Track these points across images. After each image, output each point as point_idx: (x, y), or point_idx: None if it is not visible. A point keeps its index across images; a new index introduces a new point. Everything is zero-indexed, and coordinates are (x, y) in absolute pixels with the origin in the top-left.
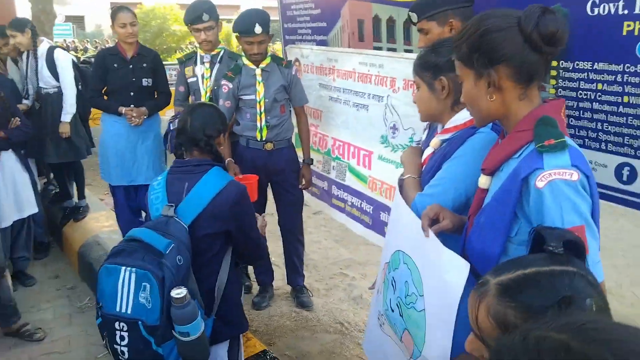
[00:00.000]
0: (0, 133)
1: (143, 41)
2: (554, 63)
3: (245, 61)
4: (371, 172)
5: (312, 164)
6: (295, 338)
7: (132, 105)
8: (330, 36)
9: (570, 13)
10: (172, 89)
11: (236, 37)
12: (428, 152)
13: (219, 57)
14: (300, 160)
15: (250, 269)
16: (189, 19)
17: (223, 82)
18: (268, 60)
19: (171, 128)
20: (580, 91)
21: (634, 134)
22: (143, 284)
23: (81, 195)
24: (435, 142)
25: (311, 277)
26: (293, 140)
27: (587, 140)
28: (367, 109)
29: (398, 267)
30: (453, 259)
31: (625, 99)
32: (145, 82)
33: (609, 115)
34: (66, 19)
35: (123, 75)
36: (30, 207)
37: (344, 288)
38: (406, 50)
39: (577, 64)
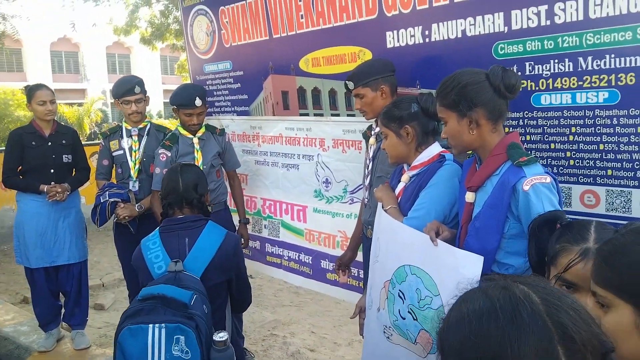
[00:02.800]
0: None
1: None
2: None
3: (182, 131)
4: (307, 224)
5: (248, 223)
6: None
7: (52, 183)
8: (252, 107)
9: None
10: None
11: (173, 109)
12: (400, 186)
13: (147, 129)
14: (236, 221)
15: None
16: (121, 92)
17: (161, 150)
18: (203, 129)
19: (102, 201)
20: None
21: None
22: (176, 337)
23: None
24: (405, 177)
25: (246, 342)
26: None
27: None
28: (298, 168)
29: (405, 279)
30: (467, 255)
31: (528, 137)
32: (66, 158)
33: None
34: None
35: (42, 153)
36: None
37: (280, 347)
38: (333, 114)
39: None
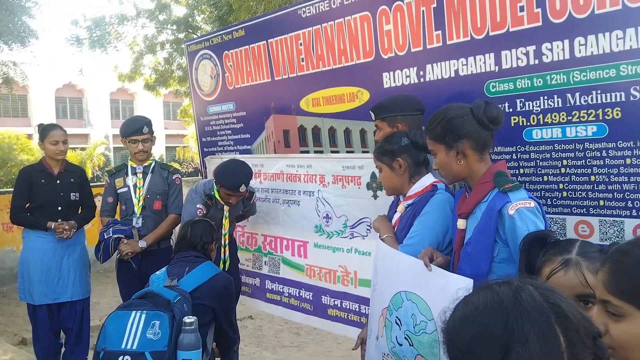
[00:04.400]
0: None
1: None
2: None
3: (217, 195)
4: (307, 260)
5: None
6: None
7: (59, 220)
8: (254, 145)
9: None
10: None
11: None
12: (396, 216)
13: (151, 167)
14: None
15: None
16: (130, 131)
17: (199, 206)
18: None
19: (105, 237)
20: None
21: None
22: (152, 322)
23: None
24: (401, 207)
25: None
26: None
27: None
28: (299, 204)
29: (401, 305)
30: (458, 279)
31: (521, 170)
32: (73, 196)
33: None
34: None
35: (50, 191)
36: None
37: None
38: (333, 151)
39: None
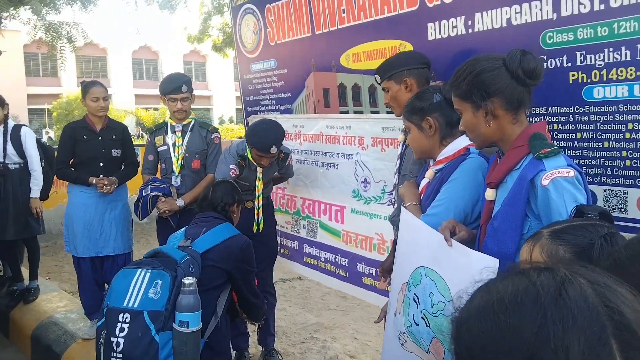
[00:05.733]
0: None
1: None
2: None
3: (249, 156)
4: (344, 226)
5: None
6: None
7: (101, 175)
8: (295, 105)
9: None
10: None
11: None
12: (424, 182)
13: (190, 126)
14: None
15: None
16: (169, 89)
17: (232, 166)
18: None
19: (144, 194)
20: None
21: (590, 163)
22: (155, 281)
23: (34, 276)
24: (430, 173)
25: (284, 343)
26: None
27: None
28: (337, 167)
29: (420, 282)
30: (482, 258)
31: (579, 135)
32: (115, 152)
33: (565, 150)
34: None
35: (93, 147)
36: None
37: (318, 350)
38: (372, 112)
39: (534, 110)
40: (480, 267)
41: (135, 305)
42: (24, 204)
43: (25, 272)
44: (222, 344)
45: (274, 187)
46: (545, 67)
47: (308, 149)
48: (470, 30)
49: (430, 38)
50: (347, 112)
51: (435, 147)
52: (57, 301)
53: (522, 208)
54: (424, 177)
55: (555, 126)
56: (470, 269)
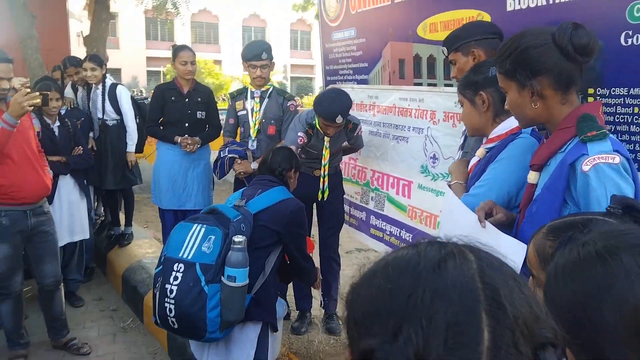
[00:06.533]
0: (61, 158)
1: None
2: (590, 90)
3: (317, 125)
4: (411, 201)
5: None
6: None
7: (186, 135)
8: (371, 75)
9: (605, 44)
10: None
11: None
12: (473, 161)
13: (269, 93)
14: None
15: (290, 297)
16: (249, 56)
17: (300, 134)
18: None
19: (222, 156)
20: (617, 115)
21: None
22: (209, 236)
23: (128, 223)
24: (480, 151)
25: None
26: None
27: None
28: (407, 140)
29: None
30: (511, 242)
31: None
32: (200, 114)
33: None
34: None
35: (179, 108)
36: (82, 232)
37: None
38: (446, 85)
39: (614, 90)
40: (507, 250)
41: (190, 257)
42: (121, 157)
43: (122, 219)
44: (268, 301)
45: (347, 157)
46: (628, 42)
47: (381, 120)
48: (551, 1)
49: (509, 9)
50: (420, 84)
51: (488, 125)
52: (147, 247)
53: (561, 193)
54: (474, 155)
55: (635, 109)
56: (498, 253)
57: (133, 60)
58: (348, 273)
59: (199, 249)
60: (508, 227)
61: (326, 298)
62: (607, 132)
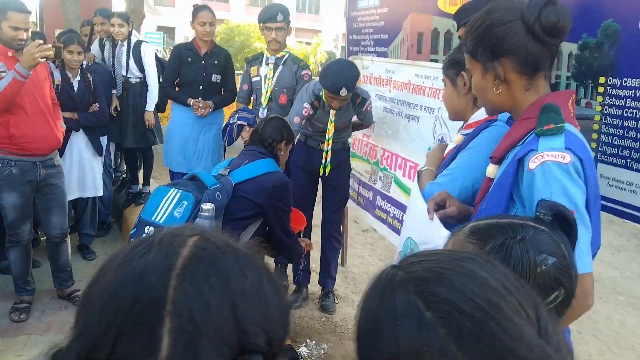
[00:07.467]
0: (73, 115)
1: None
2: (602, 79)
3: (324, 97)
4: (415, 184)
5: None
6: (320, 340)
7: (199, 98)
8: (390, 48)
9: (621, 29)
10: None
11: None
12: (450, 147)
13: (283, 59)
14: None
15: (289, 271)
16: (264, 18)
17: (306, 105)
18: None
19: (231, 122)
20: (626, 109)
21: None
22: (182, 202)
23: (146, 182)
24: (458, 138)
25: (348, 289)
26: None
27: (630, 160)
28: (418, 120)
29: (406, 253)
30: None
31: None
32: (215, 78)
33: None
34: (158, 28)
35: (195, 70)
36: (94, 189)
37: None
38: None
39: (625, 81)
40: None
41: (160, 221)
42: (142, 116)
43: (141, 178)
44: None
45: (360, 134)
46: None
47: (396, 97)
48: None
49: None
50: (437, 60)
51: (468, 108)
52: None
53: (507, 191)
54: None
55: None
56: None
57: (187, 20)
58: (359, 253)
59: (171, 214)
60: (463, 221)
61: (323, 274)
62: (566, 126)
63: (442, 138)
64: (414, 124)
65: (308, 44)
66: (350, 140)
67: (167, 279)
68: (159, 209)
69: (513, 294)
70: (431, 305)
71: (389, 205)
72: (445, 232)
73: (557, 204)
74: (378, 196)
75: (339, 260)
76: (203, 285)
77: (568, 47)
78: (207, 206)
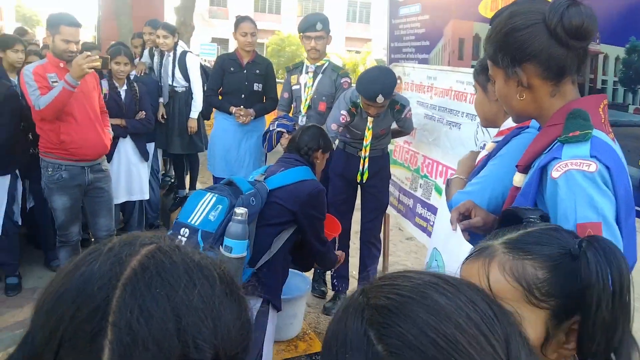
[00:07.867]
0: (121, 122)
1: (277, 65)
2: None
3: (361, 104)
4: None
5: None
6: None
7: (242, 106)
8: (431, 55)
9: None
10: None
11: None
12: (482, 154)
13: (323, 68)
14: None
15: (328, 277)
16: (303, 27)
17: (343, 112)
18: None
19: (271, 129)
20: None
21: None
22: (217, 205)
23: (192, 186)
24: (489, 145)
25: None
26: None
27: None
28: (460, 127)
29: (432, 265)
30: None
31: None
32: (256, 87)
33: None
34: (212, 40)
35: (237, 79)
36: (141, 193)
37: None
38: None
39: None
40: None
41: (196, 224)
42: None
43: (187, 183)
44: (271, 279)
45: (401, 141)
46: None
47: (437, 104)
48: None
49: None
50: None
51: (500, 115)
52: None
53: (531, 200)
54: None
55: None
56: (460, 261)
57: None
58: (402, 260)
59: (206, 217)
60: (489, 232)
61: (363, 282)
62: (593, 133)
63: (484, 145)
64: (456, 130)
65: (358, 52)
66: (391, 147)
67: (110, 288)
68: (195, 212)
69: (478, 325)
70: (383, 338)
71: (429, 213)
72: (467, 245)
73: (539, 210)
74: (418, 204)
75: (380, 268)
76: (146, 295)
77: (614, 51)
78: (240, 210)
